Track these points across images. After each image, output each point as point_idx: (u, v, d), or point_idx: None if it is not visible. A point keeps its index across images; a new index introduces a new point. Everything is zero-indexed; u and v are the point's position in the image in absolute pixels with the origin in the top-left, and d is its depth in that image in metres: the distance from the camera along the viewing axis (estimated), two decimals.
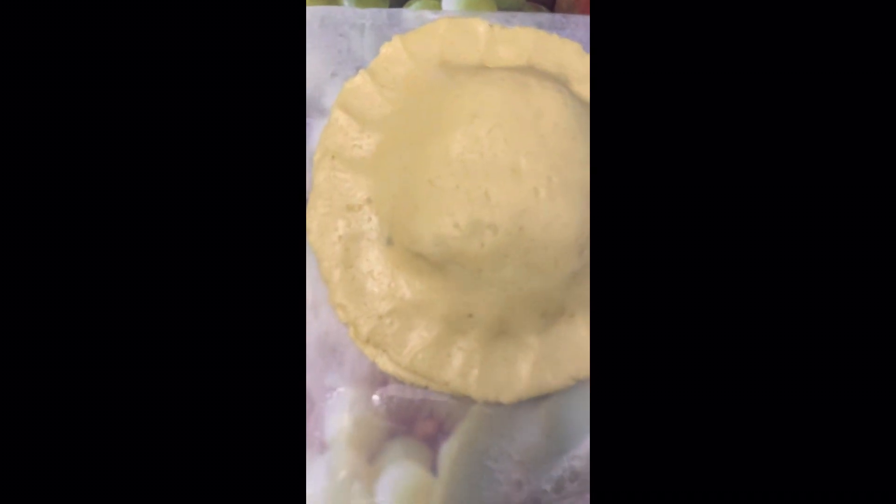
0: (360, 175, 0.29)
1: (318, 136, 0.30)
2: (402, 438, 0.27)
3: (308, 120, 0.30)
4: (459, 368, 0.27)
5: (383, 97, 0.30)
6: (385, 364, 0.27)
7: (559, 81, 0.29)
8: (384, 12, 0.33)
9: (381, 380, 0.28)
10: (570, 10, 0.34)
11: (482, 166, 0.26)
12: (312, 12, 0.32)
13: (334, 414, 0.27)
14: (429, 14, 0.32)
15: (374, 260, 0.28)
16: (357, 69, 0.31)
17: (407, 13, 0.32)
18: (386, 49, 0.31)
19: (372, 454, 0.27)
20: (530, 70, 0.29)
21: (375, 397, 0.27)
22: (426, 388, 0.27)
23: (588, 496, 0.26)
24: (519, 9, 0.34)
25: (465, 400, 0.27)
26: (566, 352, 0.27)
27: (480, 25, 0.31)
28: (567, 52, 0.31)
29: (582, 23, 0.32)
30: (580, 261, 0.26)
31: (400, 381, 0.27)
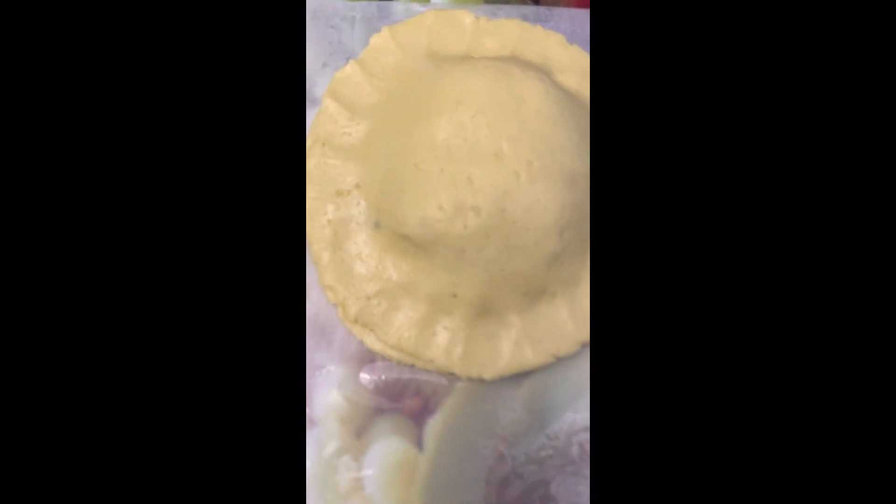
0: (350, 161, 0.30)
1: (310, 125, 0.31)
2: (389, 415, 0.28)
3: None
4: (444, 346, 0.28)
5: (372, 86, 0.31)
6: (372, 343, 0.28)
7: (542, 71, 0.30)
8: (374, 5, 0.34)
9: (368, 358, 0.29)
10: (555, 3, 0.35)
11: (466, 151, 0.27)
12: (306, 4, 0.33)
13: (323, 391, 0.28)
14: (417, 6, 0.33)
15: (362, 243, 0.29)
16: (347, 59, 0.32)
17: (396, 6, 0.33)
18: (375, 40, 0.32)
19: (359, 429, 0.28)
20: (514, 60, 0.30)
21: (363, 375, 0.28)
22: (412, 365, 0.28)
23: (568, 469, 0.27)
24: (505, 2, 0.35)
25: (450, 377, 0.28)
26: (547, 330, 0.28)
27: (467, 17, 0.32)
28: (550, 43, 0.32)
29: (566, 15, 0.33)
30: (560, 242, 0.27)
31: (387, 360, 0.28)
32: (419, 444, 0.28)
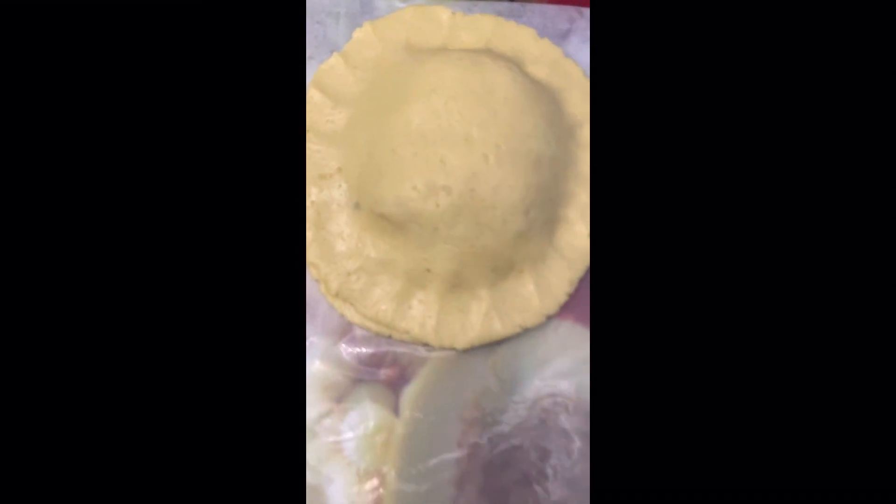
0: (332, 147, 0.32)
1: None
2: (368, 383, 0.30)
3: None
4: (419, 318, 0.30)
5: (354, 77, 0.33)
6: (352, 316, 0.30)
7: (513, 62, 0.32)
8: (357, 1, 0.36)
9: (349, 330, 0.30)
10: None
11: (439, 135, 0.29)
12: None
13: (307, 361, 0.30)
14: (398, 2, 0.35)
15: (343, 223, 0.31)
16: (332, 52, 0.34)
17: (378, 2, 0.35)
18: (358, 34, 0.34)
19: (340, 396, 0.30)
20: (486, 52, 0.32)
21: (344, 346, 0.30)
22: (389, 336, 0.30)
23: (534, 432, 0.29)
24: None
25: (424, 347, 0.30)
26: (514, 303, 0.30)
27: (444, 13, 0.34)
28: (523, 36, 0.34)
29: (538, 11, 0.35)
30: (526, 221, 0.29)
31: (366, 331, 0.30)
32: (395, 409, 0.30)
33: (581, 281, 0.31)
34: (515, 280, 0.30)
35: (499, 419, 0.29)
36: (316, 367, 0.30)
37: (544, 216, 0.30)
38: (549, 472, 0.29)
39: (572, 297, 0.31)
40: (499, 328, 0.29)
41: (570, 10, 0.35)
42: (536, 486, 0.29)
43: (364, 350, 0.30)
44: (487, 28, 0.34)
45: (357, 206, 0.31)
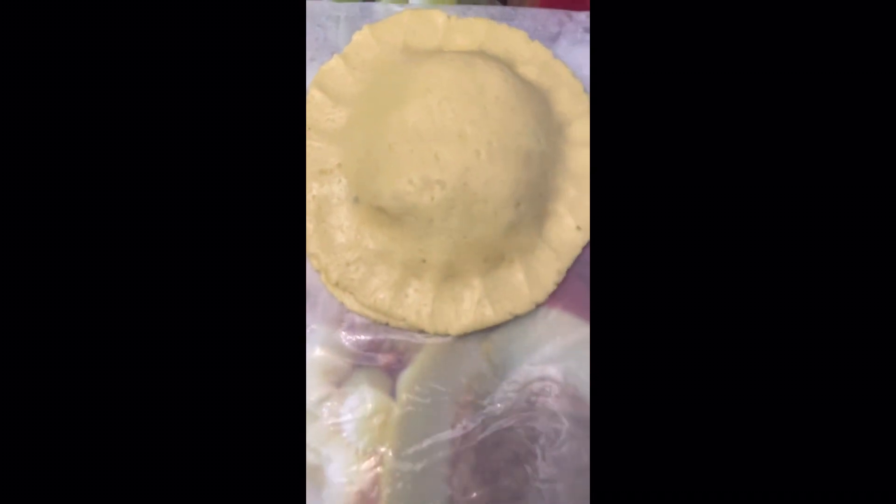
0: (332, 144, 0.33)
1: None
2: (366, 368, 0.31)
3: None
4: (415, 306, 0.31)
5: (354, 77, 0.35)
6: (351, 304, 0.32)
7: (504, 63, 0.33)
8: (357, 6, 0.37)
9: (348, 318, 0.32)
10: (521, 3, 0.39)
11: (433, 132, 0.30)
12: None
13: (308, 347, 0.32)
14: (396, 7, 0.37)
15: (342, 216, 0.32)
16: (332, 54, 0.36)
17: (377, 6, 0.37)
18: (357, 36, 0.35)
19: (339, 381, 0.31)
20: (479, 53, 0.33)
21: (343, 333, 0.32)
22: (387, 324, 0.32)
23: (524, 414, 0.31)
24: (474, 2, 0.39)
25: (420, 334, 0.32)
26: (505, 292, 0.31)
27: (439, 17, 0.36)
28: (515, 39, 0.36)
29: (529, 15, 0.37)
30: (516, 213, 0.31)
31: (364, 319, 0.32)
32: (392, 393, 0.31)
33: (569, 271, 0.32)
34: (506, 270, 0.32)
35: (491, 402, 0.31)
36: (317, 353, 0.32)
37: (534, 210, 0.31)
38: (538, 451, 0.30)
39: (560, 287, 0.32)
40: (490, 315, 0.31)
41: (560, 14, 0.37)
42: (526, 464, 0.30)
43: (363, 337, 0.32)
44: (481, 31, 0.36)
45: (356, 199, 0.32)
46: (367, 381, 0.31)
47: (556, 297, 0.32)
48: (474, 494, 0.30)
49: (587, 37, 0.36)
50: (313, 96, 0.34)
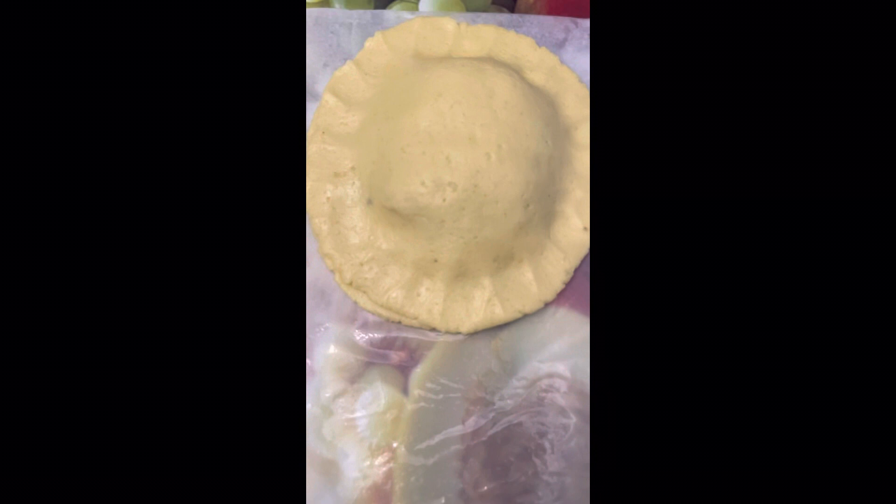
0: (346, 147, 0.34)
1: (312, 116, 0.35)
2: (379, 365, 0.32)
3: None
4: (426, 305, 0.32)
5: (366, 83, 0.35)
6: (365, 303, 0.33)
7: (513, 68, 0.34)
8: (369, 13, 0.38)
9: (361, 316, 0.33)
10: (528, 11, 0.40)
11: (445, 136, 0.31)
12: (308, 13, 0.38)
13: (322, 345, 0.32)
14: (406, 14, 0.38)
15: (356, 217, 0.33)
16: (345, 60, 0.37)
17: (388, 13, 0.38)
18: (369, 43, 0.36)
19: (353, 378, 0.32)
20: (488, 59, 0.34)
21: (357, 331, 0.33)
22: (399, 322, 0.33)
23: (533, 409, 0.31)
24: (484, 10, 0.40)
25: (431, 332, 0.32)
26: (514, 290, 0.32)
27: (449, 23, 0.37)
28: (522, 45, 0.37)
29: (536, 22, 0.38)
30: (525, 214, 0.31)
31: (377, 317, 0.33)
32: (405, 389, 0.32)
33: (576, 270, 0.33)
34: (515, 269, 0.32)
35: (500, 398, 0.32)
36: (331, 350, 0.32)
37: (542, 210, 0.32)
38: (547, 446, 0.31)
39: (568, 286, 0.33)
40: (500, 314, 0.32)
41: (567, 21, 0.38)
42: (535, 458, 0.31)
43: (376, 335, 0.33)
44: (489, 37, 0.37)
45: (369, 201, 0.33)
46: (380, 378, 0.32)
47: (564, 295, 0.33)
48: (485, 488, 0.30)
49: None
50: (327, 101, 0.35)
